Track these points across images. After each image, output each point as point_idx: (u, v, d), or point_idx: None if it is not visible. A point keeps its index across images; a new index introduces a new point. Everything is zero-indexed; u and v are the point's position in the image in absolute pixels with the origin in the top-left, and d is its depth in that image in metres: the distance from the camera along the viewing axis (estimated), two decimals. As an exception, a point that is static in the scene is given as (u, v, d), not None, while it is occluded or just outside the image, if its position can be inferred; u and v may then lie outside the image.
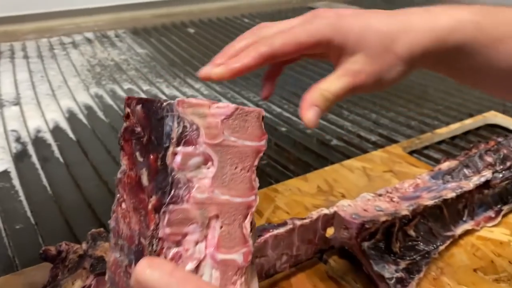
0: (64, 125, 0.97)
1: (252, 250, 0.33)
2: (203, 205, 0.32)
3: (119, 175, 0.38)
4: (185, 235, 0.32)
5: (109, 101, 1.09)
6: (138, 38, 1.56)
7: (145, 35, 1.59)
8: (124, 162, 0.37)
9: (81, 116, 1.02)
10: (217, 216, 0.32)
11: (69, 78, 1.23)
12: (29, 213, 0.71)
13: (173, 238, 0.31)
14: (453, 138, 0.90)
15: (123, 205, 0.37)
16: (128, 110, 0.37)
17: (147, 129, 0.35)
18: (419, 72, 1.28)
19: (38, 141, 0.91)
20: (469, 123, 0.93)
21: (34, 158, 0.85)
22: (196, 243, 0.32)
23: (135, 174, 0.36)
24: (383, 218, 0.52)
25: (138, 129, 0.36)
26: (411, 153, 0.83)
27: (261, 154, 0.35)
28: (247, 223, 0.33)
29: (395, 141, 0.88)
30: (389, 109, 1.04)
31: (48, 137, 0.93)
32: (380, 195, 0.57)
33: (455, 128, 0.91)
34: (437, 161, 0.82)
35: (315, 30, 0.38)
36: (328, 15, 0.39)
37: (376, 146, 0.87)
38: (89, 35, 1.59)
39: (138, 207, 0.33)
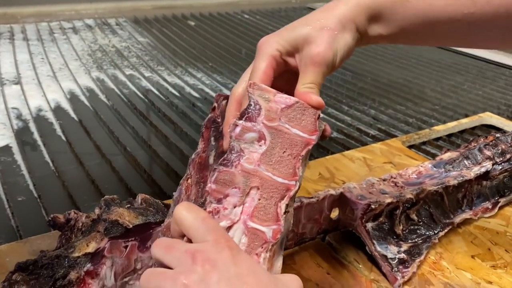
0: (66, 105, 0.97)
1: (282, 231, 0.35)
2: (248, 174, 0.35)
3: (193, 156, 0.43)
4: (226, 195, 0.35)
5: (111, 85, 1.10)
6: (139, 27, 1.56)
7: (146, 25, 1.60)
8: (200, 146, 0.43)
9: (82, 98, 1.02)
10: (257, 188, 0.35)
11: (70, 61, 1.23)
12: (31, 187, 0.71)
13: (216, 194, 0.35)
14: (449, 135, 0.92)
15: (189, 181, 0.42)
16: (215, 104, 0.45)
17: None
18: (417, 73, 1.32)
19: (40, 119, 0.91)
20: (466, 122, 0.95)
21: (36, 135, 0.85)
22: (234, 206, 0.35)
23: (206, 155, 0.42)
24: (388, 200, 0.53)
25: (219, 119, 0.43)
26: (409, 147, 0.85)
27: (310, 147, 0.37)
28: (282, 204, 0.35)
29: (394, 136, 0.90)
30: (388, 106, 1.06)
31: (50, 115, 0.93)
32: (384, 180, 0.58)
33: (452, 126, 0.93)
34: (434, 156, 0.84)
35: None
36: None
37: (376, 139, 0.89)
38: (90, 21, 1.59)
39: (199, 181, 0.37)
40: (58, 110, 0.95)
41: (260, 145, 0.36)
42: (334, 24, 0.41)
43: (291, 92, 0.40)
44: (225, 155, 0.35)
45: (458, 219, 0.61)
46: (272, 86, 0.40)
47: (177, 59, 1.29)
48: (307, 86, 0.39)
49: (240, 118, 0.36)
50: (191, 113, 0.96)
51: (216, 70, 1.22)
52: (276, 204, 0.35)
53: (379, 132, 0.93)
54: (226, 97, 0.42)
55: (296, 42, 0.41)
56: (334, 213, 0.58)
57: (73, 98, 1.01)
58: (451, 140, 0.90)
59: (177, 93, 1.06)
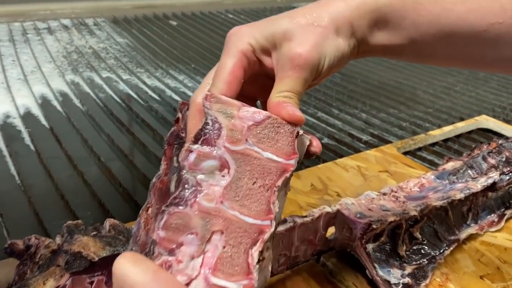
0: (37, 111, 0.90)
1: (256, 286, 0.28)
2: (208, 215, 0.28)
3: (154, 179, 0.36)
4: (180, 244, 0.27)
5: (86, 89, 1.02)
6: (118, 28, 1.49)
7: (125, 25, 1.52)
8: (162, 167, 0.36)
9: (55, 103, 0.95)
10: (221, 233, 0.28)
11: (43, 63, 1.15)
12: (-7, 204, 0.64)
13: (167, 244, 0.27)
14: (445, 140, 0.87)
15: (149, 211, 0.34)
16: (179, 115, 0.37)
17: None
18: (408, 75, 1.27)
19: (7, 127, 0.84)
20: (462, 126, 0.91)
21: (2, 144, 0.78)
22: (192, 257, 0.27)
23: (167, 179, 0.34)
24: (391, 218, 0.48)
25: (183, 134, 0.35)
26: (404, 153, 0.80)
27: (288, 175, 0.30)
28: (254, 252, 0.28)
29: (387, 141, 0.85)
30: (380, 110, 1.00)
31: (18, 122, 0.85)
32: (384, 194, 0.53)
33: (448, 130, 0.88)
34: (431, 163, 0.79)
35: None
36: None
37: (368, 145, 0.84)
38: (66, 21, 1.51)
39: (159, 214, 0.29)
40: (27, 117, 0.88)
41: (223, 176, 0.29)
42: (326, 22, 0.33)
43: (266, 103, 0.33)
44: (177, 191, 0.28)
45: (463, 235, 0.56)
46: (243, 93, 0.33)
47: (157, 61, 1.22)
48: (283, 95, 0.32)
49: (195, 142, 0.29)
50: (172, 118, 0.89)
51: (199, 72, 1.15)
52: (246, 252, 0.28)
53: (371, 137, 0.88)
54: None
55: (274, 37, 0.33)
56: (330, 232, 0.52)
57: (44, 103, 0.94)
58: (447, 145, 0.86)
59: (157, 97, 1.00)
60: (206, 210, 0.28)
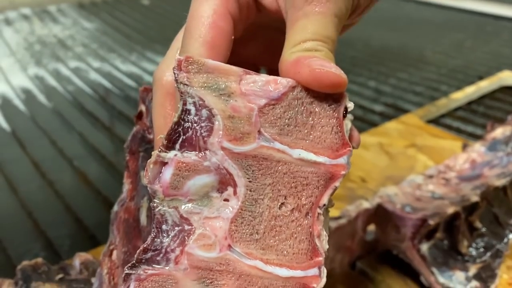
0: (-5, 113, 0.77)
1: None
2: (208, 273, 0.17)
3: (115, 207, 0.24)
4: None
5: (52, 82, 0.89)
6: (85, 12, 1.35)
7: (92, 9, 1.38)
8: (126, 187, 0.24)
9: (17, 102, 0.82)
10: None
11: (1, 58, 1.02)
12: None
13: None
14: (469, 103, 0.77)
15: (114, 255, 0.23)
16: (142, 107, 0.24)
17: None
18: (411, 35, 1.16)
19: (-40, 135, 0.71)
20: (485, 85, 0.80)
21: (-46, 156, 0.65)
22: None
23: (135, 206, 0.23)
24: (450, 210, 0.37)
25: (151, 135, 0.23)
26: (427, 122, 0.69)
27: (337, 184, 0.18)
28: None
29: (405, 110, 0.74)
30: (388, 75, 0.89)
31: (-27, 129, 0.73)
32: (431, 176, 0.42)
33: (471, 92, 0.77)
34: (459, 131, 0.69)
35: None
36: None
37: (384, 117, 0.73)
38: (26, 11, 1.37)
39: (130, 261, 0.18)
40: (-16, 121, 0.75)
41: (226, 200, 0.18)
42: None
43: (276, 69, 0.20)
44: (149, 240, 0.17)
45: (525, 216, 0.46)
46: (237, 60, 0.21)
47: (131, 43, 1.09)
48: (304, 48, 0.20)
49: (169, 146, 0.18)
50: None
51: (180, 52, 1.03)
52: None
53: (386, 107, 0.77)
54: None
55: None
56: (369, 230, 0.41)
57: (4, 103, 0.81)
58: (472, 109, 0.75)
59: (134, 84, 0.87)
60: (205, 264, 0.17)
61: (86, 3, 1.44)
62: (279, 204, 0.18)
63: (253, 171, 0.18)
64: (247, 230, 0.17)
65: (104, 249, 0.23)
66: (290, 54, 0.20)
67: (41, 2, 1.45)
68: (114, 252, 0.23)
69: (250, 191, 0.18)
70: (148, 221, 0.19)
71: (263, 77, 0.18)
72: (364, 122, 0.72)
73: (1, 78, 0.91)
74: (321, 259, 0.18)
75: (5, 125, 0.74)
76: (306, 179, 0.18)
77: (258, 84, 0.18)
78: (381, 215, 0.39)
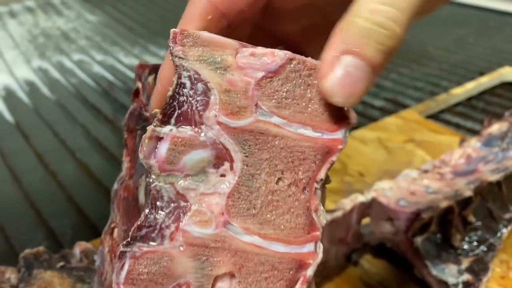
0: (-1, 105, 0.78)
1: None
2: (204, 250, 0.17)
3: (115, 185, 0.24)
4: None
5: (56, 74, 0.90)
6: (88, 5, 1.35)
7: (96, 2, 1.39)
8: (125, 165, 0.24)
9: (20, 94, 0.83)
10: (231, 276, 0.17)
11: (5, 50, 1.02)
12: None
13: None
14: (469, 99, 0.77)
15: (115, 233, 0.23)
16: (139, 84, 0.23)
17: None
18: (413, 30, 1.15)
19: (-36, 126, 0.72)
20: (485, 81, 0.80)
21: (-42, 147, 0.66)
22: None
23: (134, 184, 0.22)
24: (444, 204, 0.38)
25: (147, 113, 0.22)
26: (426, 118, 0.70)
27: (334, 158, 0.18)
28: None
29: (405, 105, 0.75)
30: (389, 70, 0.90)
31: (-22, 120, 0.74)
32: (426, 171, 0.43)
33: (472, 87, 0.78)
34: (458, 126, 0.69)
35: None
36: None
37: (384, 112, 0.73)
38: (30, 3, 1.37)
39: (117, 257, 0.18)
40: (-12, 112, 0.76)
41: (222, 176, 0.18)
42: None
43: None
44: (142, 216, 0.17)
45: (519, 211, 0.47)
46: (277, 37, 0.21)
47: (135, 36, 1.09)
48: (376, 21, 0.17)
49: (164, 121, 0.17)
50: (156, 100, 0.78)
51: (182, 46, 1.03)
52: None
53: (386, 102, 0.77)
54: (155, 68, 0.23)
55: None
56: (364, 223, 0.42)
57: (8, 95, 0.82)
58: (472, 105, 0.75)
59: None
60: (200, 241, 0.17)
61: (90, -4, 1.45)
62: (276, 178, 0.18)
63: (249, 146, 0.18)
64: (244, 205, 0.17)
65: (105, 227, 0.24)
66: (353, 22, 0.17)
67: (45, -6, 1.45)
68: (115, 230, 0.23)
69: (247, 166, 0.18)
70: (146, 199, 0.20)
71: (260, 50, 0.18)
72: (364, 117, 0.72)
73: (5, 70, 0.92)
74: (318, 233, 0.18)
75: (8, 117, 0.75)
76: (303, 153, 0.18)
77: (255, 57, 0.18)
78: (375, 208, 0.39)
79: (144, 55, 0.99)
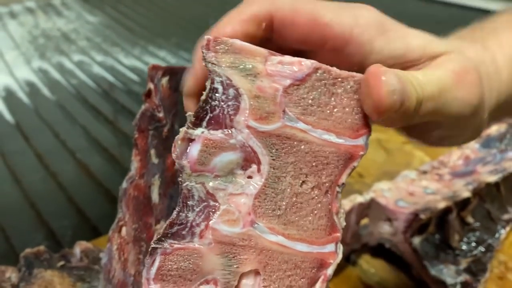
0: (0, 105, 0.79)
1: None
2: (231, 248, 0.18)
3: (124, 184, 0.24)
4: None
5: (56, 75, 0.91)
6: (88, 6, 1.36)
7: (96, 3, 1.39)
8: (134, 165, 0.24)
9: (21, 94, 0.83)
10: (256, 274, 0.18)
11: (6, 51, 1.02)
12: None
13: None
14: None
15: (123, 231, 0.24)
16: (151, 85, 0.24)
17: (172, 111, 0.22)
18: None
19: (-35, 126, 0.72)
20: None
21: (-41, 148, 0.66)
22: None
23: (145, 184, 0.23)
24: (441, 205, 0.38)
25: (160, 114, 0.23)
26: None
27: (355, 164, 0.19)
28: None
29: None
30: (389, 72, 0.90)
31: (-22, 120, 0.74)
32: (425, 172, 0.43)
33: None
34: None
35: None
36: None
37: (383, 113, 0.74)
38: (31, 4, 1.37)
39: (140, 238, 0.20)
40: (-11, 113, 0.76)
41: (250, 177, 0.18)
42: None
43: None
44: (174, 214, 0.18)
45: (517, 212, 0.47)
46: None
47: (134, 37, 1.10)
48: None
49: (197, 124, 0.18)
50: (156, 101, 0.78)
51: (182, 47, 1.04)
52: None
53: (385, 103, 0.78)
54: (168, 71, 0.24)
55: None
56: (363, 223, 0.42)
57: (8, 96, 0.82)
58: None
59: (136, 78, 0.88)
60: (228, 240, 0.18)
61: (90, -3, 1.45)
62: (301, 182, 0.19)
63: (276, 149, 0.18)
64: (270, 206, 0.18)
65: (112, 225, 0.24)
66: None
67: (46, -5, 1.46)
68: (123, 229, 0.23)
69: (273, 168, 0.18)
70: (161, 199, 0.20)
71: (288, 58, 0.19)
72: (363, 118, 0.73)
73: (6, 71, 0.92)
74: (338, 234, 0.19)
75: (9, 117, 0.75)
76: (327, 158, 0.19)
77: (283, 65, 0.19)
78: (374, 209, 0.39)
79: (144, 56, 1.00)
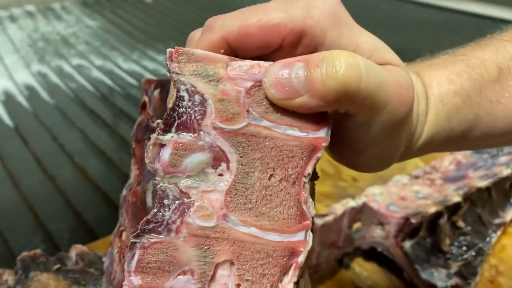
0: (-2, 109, 0.79)
1: None
2: (206, 240, 0.19)
3: (124, 192, 0.26)
4: None
5: (55, 79, 0.91)
6: (88, 10, 1.37)
7: (96, 7, 1.40)
8: (133, 173, 0.26)
9: (20, 98, 0.84)
10: (230, 263, 0.19)
11: (5, 54, 1.03)
12: None
13: None
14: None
15: (124, 236, 0.25)
16: (145, 97, 0.26)
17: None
18: (408, 35, 1.17)
19: (-36, 130, 0.73)
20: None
21: (-42, 151, 0.67)
22: None
23: (141, 190, 0.24)
24: (432, 209, 0.38)
25: (154, 124, 0.24)
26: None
27: (319, 155, 0.20)
28: (287, 285, 0.19)
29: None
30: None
31: (-23, 124, 0.74)
32: (417, 177, 0.44)
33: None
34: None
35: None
36: None
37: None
38: (30, 8, 1.38)
39: (128, 248, 0.20)
40: (-12, 116, 0.77)
41: (220, 175, 0.19)
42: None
43: None
44: (151, 213, 0.19)
45: (508, 216, 0.48)
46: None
47: (133, 42, 1.11)
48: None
49: (166, 129, 0.19)
50: (154, 105, 0.79)
51: (181, 51, 1.04)
52: (275, 286, 0.19)
53: (381, 108, 0.78)
54: (159, 83, 0.25)
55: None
56: (354, 227, 0.43)
57: (8, 99, 0.83)
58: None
59: (135, 82, 0.89)
60: (202, 233, 0.19)
61: (89, 1, 1.46)
62: (268, 175, 0.20)
63: (243, 147, 0.19)
64: (241, 200, 0.19)
65: (114, 231, 0.25)
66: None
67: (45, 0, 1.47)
68: (124, 233, 0.25)
69: (242, 165, 0.19)
70: (153, 200, 0.21)
71: (248, 62, 0.20)
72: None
73: (5, 75, 0.93)
74: (308, 222, 0.19)
75: (8, 121, 0.76)
76: (291, 151, 0.20)
77: (243, 69, 0.20)
78: (366, 213, 0.40)
79: (143, 60, 1.00)
